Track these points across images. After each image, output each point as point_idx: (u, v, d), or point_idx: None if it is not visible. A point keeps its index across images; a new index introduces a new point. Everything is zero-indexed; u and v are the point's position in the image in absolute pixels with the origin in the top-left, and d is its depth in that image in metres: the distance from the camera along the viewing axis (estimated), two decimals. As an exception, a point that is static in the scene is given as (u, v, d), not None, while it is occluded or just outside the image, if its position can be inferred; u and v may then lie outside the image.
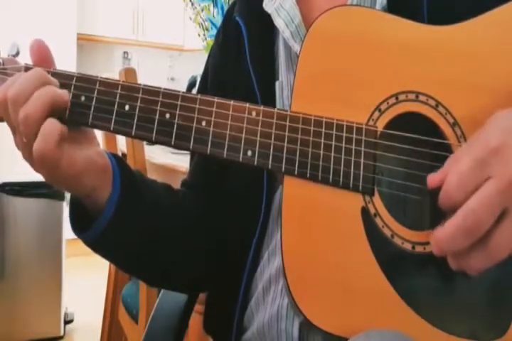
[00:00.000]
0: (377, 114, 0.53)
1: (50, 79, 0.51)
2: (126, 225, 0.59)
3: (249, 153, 0.51)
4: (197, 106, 0.52)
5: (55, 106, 0.50)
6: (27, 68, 0.53)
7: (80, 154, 0.53)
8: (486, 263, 0.45)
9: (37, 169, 0.52)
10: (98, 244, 0.59)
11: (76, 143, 0.53)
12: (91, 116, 0.52)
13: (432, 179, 0.48)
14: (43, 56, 0.54)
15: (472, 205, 0.44)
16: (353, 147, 0.52)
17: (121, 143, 1.57)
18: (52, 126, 0.49)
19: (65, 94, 0.51)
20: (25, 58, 0.55)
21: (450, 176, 0.45)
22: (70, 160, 0.51)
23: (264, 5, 0.68)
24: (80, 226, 0.58)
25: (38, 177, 0.55)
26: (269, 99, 0.64)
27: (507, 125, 0.47)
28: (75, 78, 0.53)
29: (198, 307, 0.90)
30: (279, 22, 0.66)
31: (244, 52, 0.67)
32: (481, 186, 0.44)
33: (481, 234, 0.44)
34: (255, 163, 0.51)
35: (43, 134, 0.48)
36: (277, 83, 0.65)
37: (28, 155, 0.52)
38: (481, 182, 0.44)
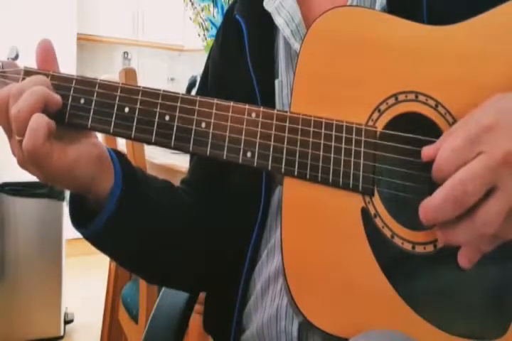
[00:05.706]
0: (376, 114, 0.53)
1: (47, 83, 0.52)
2: (128, 220, 0.58)
3: (249, 154, 0.51)
4: (196, 107, 0.52)
5: (47, 103, 0.50)
6: (26, 71, 0.53)
7: (72, 146, 0.52)
8: (473, 237, 0.46)
9: (30, 169, 0.52)
10: (98, 239, 0.59)
11: (69, 137, 0.53)
12: (90, 119, 0.52)
13: (426, 152, 0.49)
14: (47, 55, 0.54)
15: (461, 176, 0.44)
16: (353, 148, 0.52)
17: (121, 143, 1.58)
18: (38, 121, 0.49)
19: (58, 96, 0.51)
20: (24, 62, 0.55)
21: (442, 149, 0.46)
22: (61, 153, 0.51)
23: (264, 4, 0.68)
24: (79, 221, 0.58)
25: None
26: (269, 98, 0.64)
27: (502, 104, 0.48)
28: (74, 81, 0.53)
29: (198, 307, 0.90)
30: (279, 21, 0.66)
31: (244, 50, 0.67)
32: (471, 160, 0.45)
33: (467, 205, 0.45)
34: (255, 164, 0.51)
35: (31, 129, 0.48)
36: (277, 82, 0.65)
37: (22, 159, 0.51)
38: (471, 157, 0.45)
